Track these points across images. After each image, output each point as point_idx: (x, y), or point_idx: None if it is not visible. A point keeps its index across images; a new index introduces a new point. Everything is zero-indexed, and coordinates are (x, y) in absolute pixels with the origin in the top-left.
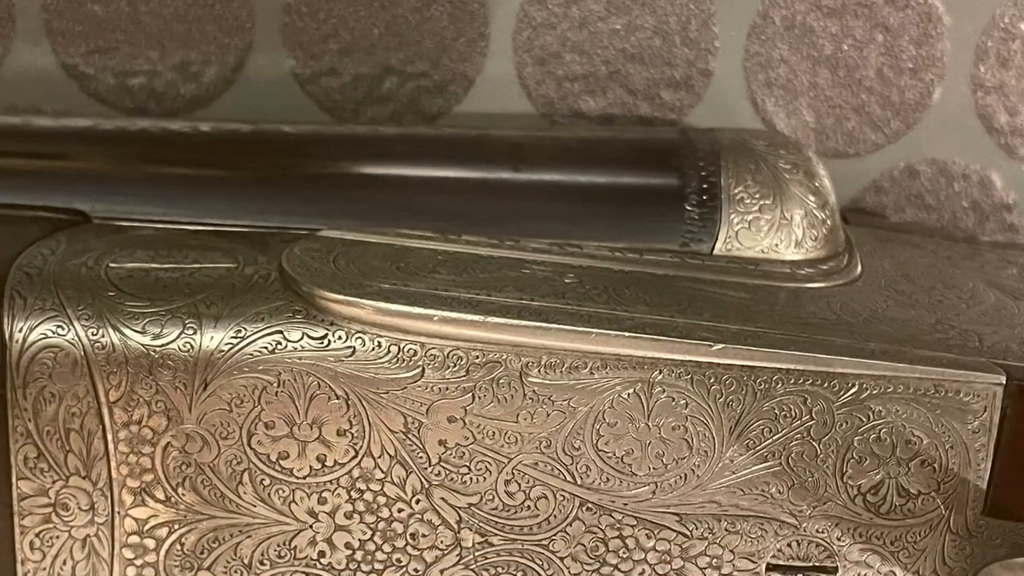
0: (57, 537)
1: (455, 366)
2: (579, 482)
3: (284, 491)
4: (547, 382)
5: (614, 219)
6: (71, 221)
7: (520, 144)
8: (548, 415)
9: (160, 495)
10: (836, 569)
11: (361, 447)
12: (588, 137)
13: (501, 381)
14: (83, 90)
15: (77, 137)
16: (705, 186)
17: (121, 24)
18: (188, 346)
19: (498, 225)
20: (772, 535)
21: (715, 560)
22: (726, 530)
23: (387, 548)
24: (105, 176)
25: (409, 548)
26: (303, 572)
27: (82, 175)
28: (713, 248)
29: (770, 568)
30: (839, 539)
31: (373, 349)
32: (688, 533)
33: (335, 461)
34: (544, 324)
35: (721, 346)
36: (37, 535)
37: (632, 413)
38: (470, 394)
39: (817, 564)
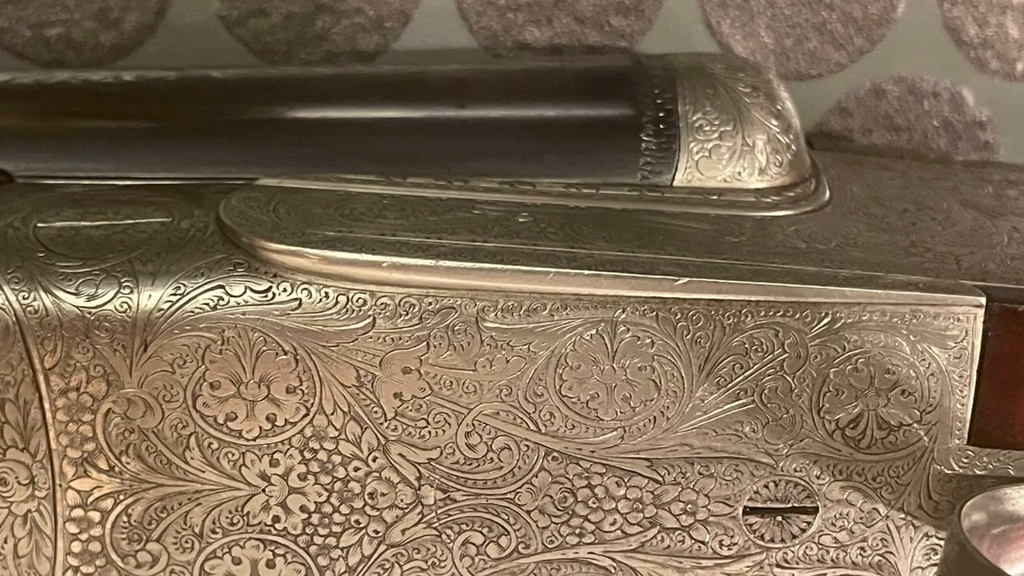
0: None
1: (407, 314)
2: (543, 430)
3: (234, 454)
4: (505, 326)
5: (567, 154)
6: None
7: (464, 80)
8: (507, 361)
9: (103, 465)
10: (816, 509)
11: (312, 404)
12: (535, 69)
13: (456, 328)
14: None
15: None
16: (661, 114)
17: None
18: (125, 306)
19: (445, 165)
20: (748, 476)
21: (689, 506)
22: (699, 473)
23: (345, 509)
24: (26, 133)
25: (368, 508)
26: (257, 539)
27: (1, 133)
28: (673, 179)
29: (747, 511)
30: (818, 477)
31: (320, 300)
32: (660, 479)
33: (286, 420)
34: (499, 266)
35: (686, 280)
36: None
37: (596, 355)
38: (424, 343)
39: (796, 505)
